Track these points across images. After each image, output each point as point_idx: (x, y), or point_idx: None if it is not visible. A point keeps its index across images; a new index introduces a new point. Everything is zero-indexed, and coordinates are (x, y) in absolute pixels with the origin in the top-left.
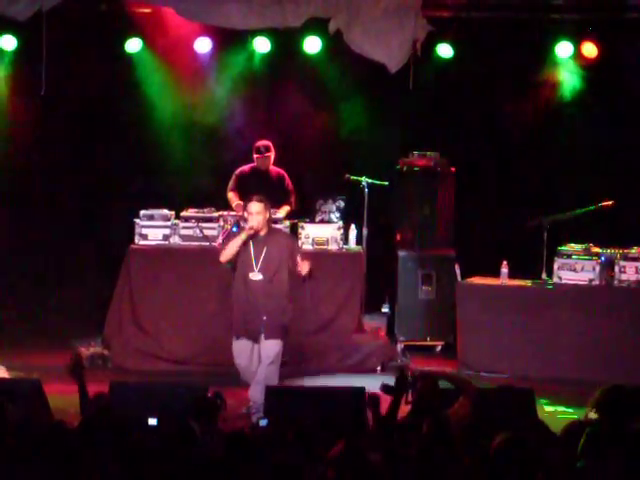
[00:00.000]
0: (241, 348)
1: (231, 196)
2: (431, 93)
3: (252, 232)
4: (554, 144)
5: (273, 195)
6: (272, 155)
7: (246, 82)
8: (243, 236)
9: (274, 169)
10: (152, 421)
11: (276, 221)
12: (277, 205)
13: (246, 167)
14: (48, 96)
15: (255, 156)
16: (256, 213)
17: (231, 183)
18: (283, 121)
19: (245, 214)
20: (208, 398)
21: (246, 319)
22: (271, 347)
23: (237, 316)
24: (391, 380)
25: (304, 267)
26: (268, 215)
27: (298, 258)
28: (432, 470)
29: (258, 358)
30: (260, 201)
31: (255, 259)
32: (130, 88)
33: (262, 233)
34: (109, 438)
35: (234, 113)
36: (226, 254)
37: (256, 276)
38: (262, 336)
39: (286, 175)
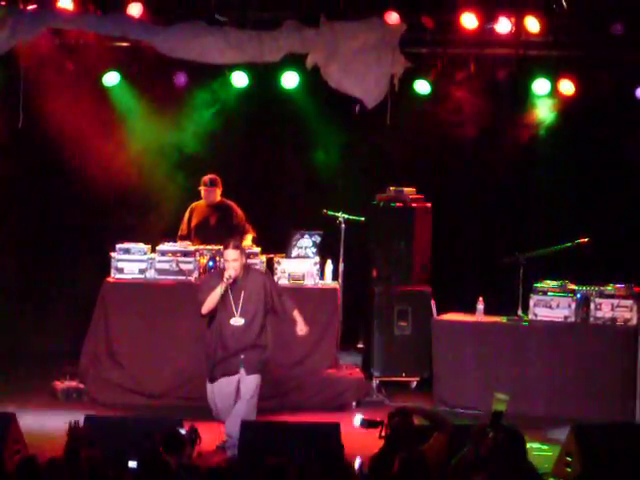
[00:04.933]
0: (218, 390)
1: (180, 231)
2: (408, 129)
3: (231, 281)
4: (531, 180)
5: (224, 227)
6: (219, 189)
7: (224, 116)
8: (222, 287)
9: (226, 202)
10: (132, 464)
11: (252, 255)
12: (235, 234)
13: (200, 201)
14: (25, 130)
15: (201, 189)
16: (232, 260)
17: (185, 216)
18: (260, 155)
19: (222, 261)
20: (183, 433)
21: (224, 360)
22: (251, 382)
23: (213, 359)
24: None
25: (302, 330)
26: (244, 260)
27: (296, 316)
28: None
29: (235, 395)
30: (236, 247)
31: (235, 304)
32: (108, 121)
33: (239, 277)
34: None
35: (211, 147)
36: (207, 307)
37: (238, 321)
38: (242, 372)
39: (234, 206)
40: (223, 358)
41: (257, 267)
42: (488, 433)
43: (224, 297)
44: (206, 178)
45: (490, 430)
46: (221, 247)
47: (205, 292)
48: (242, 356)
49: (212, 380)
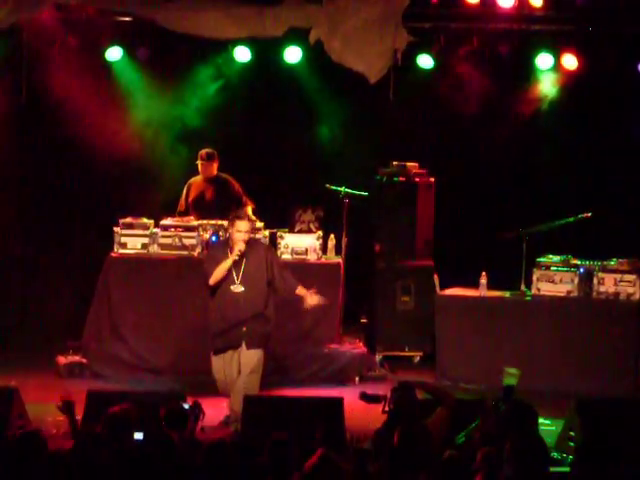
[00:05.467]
0: (220, 362)
1: (179, 207)
2: (411, 103)
3: (240, 254)
4: (533, 155)
5: (223, 201)
6: (215, 163)
7: (226, 91)
8: (230, 261)
9: (222, 176)
10: (138, 435)
11: (255, 230)
12: (231, 210)
13: (198, 177)
14: (28, 105)
15: (198, 163)
16: (245, 232)
17: (183, 192)
18: (262, 130)
19: (233, 231)
20: (186, 407)
21: (226, 331)
22: (252, 356)
23: (215, 330)
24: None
25: (313, 299)
26: (252, 232)
27: (300, 291)
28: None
29: (237, 368)
30: (249, 219)
31: (235, 272)
32: (110, 96)
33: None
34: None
35: (214, 122)
36: (215, 278)
37: (238, 288)
38: (243, 346)
39: (231, 179)
40: (225, 329)
41: (260, 239)
42: (500, 407)
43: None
44: (203, 152)
45: (502, 404)
46: (222, 222)
47: (212, 263)
48: (244, 328)
49: (215, 352)
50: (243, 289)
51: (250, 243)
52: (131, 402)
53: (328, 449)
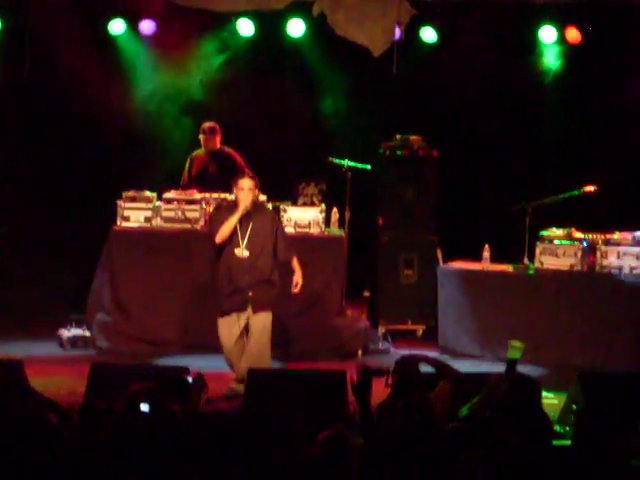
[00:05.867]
0: (227, 324)
1: (182, 181)
2: (415, 77)
3: (245, 211)
4: (537, 129)
5: (226, 175)
6: (218, 136)
7: (229, 65)
8: (237, 216)
9: (225, 150)
10: (144, 407)
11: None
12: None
13: (200, 150)
14: (31, 78)
15: (201, 136)
16: (248, 189)
17: (186, 166)
18: (266, 104)
19: (235, 190)
20: (189, 380)
21: (232, 294)
22: (260, 320)
23: (222, 293)
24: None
25: (297, 286)
26: (256, 193)
27: (295, 266)
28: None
29: (245, 335)
30: (251, 178)
31: (241, 236)
32: (114, 70)
33: (248, 210)
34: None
35: (217, 95)
36: (221, 235)
37: (243, 252)
38: (249, 310)
39: (233, 152)
40: (231, 292)
41: (264, 205)
42: (503, 381)
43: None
44: (205, 126)
45: (505, 378)
46: (225, 195)
47: (217, 222)
48: (250, 293)
49: (222, 314)
50: (248, 254)
51: (257, 207)
52: (136, 374)
53: (341, 424)
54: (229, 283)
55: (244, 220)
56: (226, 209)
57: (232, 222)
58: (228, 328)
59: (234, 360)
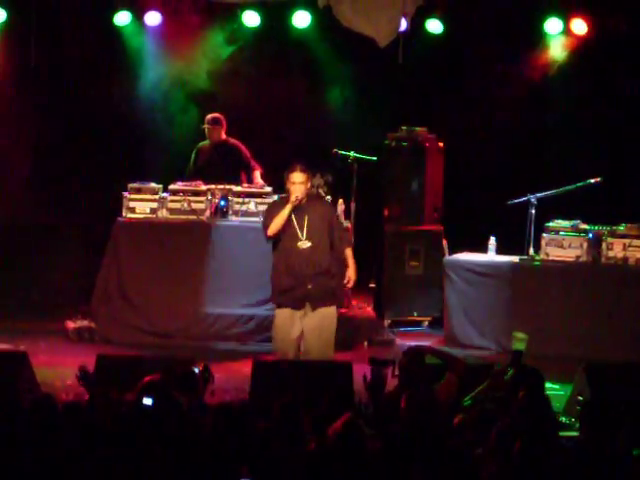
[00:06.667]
0: (283, 318)
1: (188, 172)
2: (420, 68)
3: (297, 203)
4: (543, 120)
5: (231, 166)
6: (222, 127)
7: (235, 55)
8: (289, 208)
9: (230, 141)
10: (147, 401)
11: (262, 194)
12: (242, 174)
13: (206, 142)
14: (37, 68)
15: (205, 127)
16: (299, 183)
17: (191, 157)
18: (272, 95)
19: (288, 184)
20: (196, 372)
21: (290, 289)
22: (323, 315)
23: (278, 287)
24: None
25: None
26: (309, 185)
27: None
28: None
29: (300, 330)
30: (303, 171)
31: (299, 228)
32: (119, 61)
33: (302, 202)
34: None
35: (223, 86)
36: (272, 228)
37: (304, 244)
38: (309, 306)
39: (239, 143)
40: (289, 286)
41: (320, 196)
42: (508, 372)
43: (288, 222)
44: (209, 117)
45: (510, 369)
46: (230, 186)
47: (269, 216)
48: (309, 286)
49: (279, 306)
50: (309, 244)
51: (312, 198)
52: (141, 365)
53: (353, 414)
54: (287, 276)
55: (299, 213)
56: (279, 203)
57: (283, 215)
58: (285, 322)
59: (285, 352)
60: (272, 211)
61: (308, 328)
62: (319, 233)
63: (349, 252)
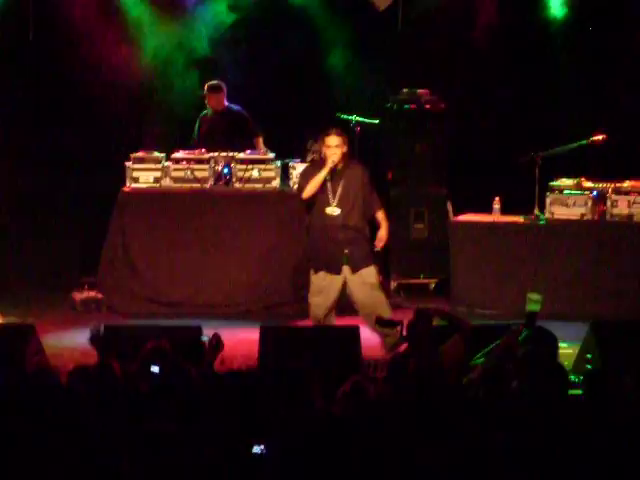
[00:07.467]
0: (320, 282)
1: (192, 141)
2: (420, 31)
3: (333, 166)
4: (545, 79)
5: (233, 133)
6: (223, 94)
7: (235, 22)
8: (324, 172)
9: (232, 108)
10: (154, 369)
11: (265, 161)
12: (245, 140)
13: (209, 110)
14: (36, 40)
15: (205, 95)
16: (335, 146)
17: (195, 126)
18: (271, 60)
19: (322, 148)
20: (204, 340)
21: (326, 253)
22: (366, 276)
23: (315, 250)
24: None
25: (381, 241)
26: (345, 149)
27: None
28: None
29: (338, 294)
30: (338, 134)
31: (332, 193)
32: (120, 30)
33: (338, 167)
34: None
35: (223, 53)
36: (308, 191)
37: (334, 211)
38: (348, 269)
39: (241, 110)
40: (326, 251)
41: (356, 161)
42: (522, 332)
43: (323, 185)
44: (209, 84)
45: (525, 330)
46: (234, 153)
47: (306, 178)
48: (346, 250)
49: (316, 270)
50: (339, 211)
51: (347, 163)
52: (149, 335)
53: (360, 376)
54: (323, 241)
55: (334, 177)
56: (315, 166)
57: (319, 178)
58: (323, 286)
59: (321, 318)
60: (308, 174)
61: (355, 288)
62: (353, 197)
63: (381, 214)
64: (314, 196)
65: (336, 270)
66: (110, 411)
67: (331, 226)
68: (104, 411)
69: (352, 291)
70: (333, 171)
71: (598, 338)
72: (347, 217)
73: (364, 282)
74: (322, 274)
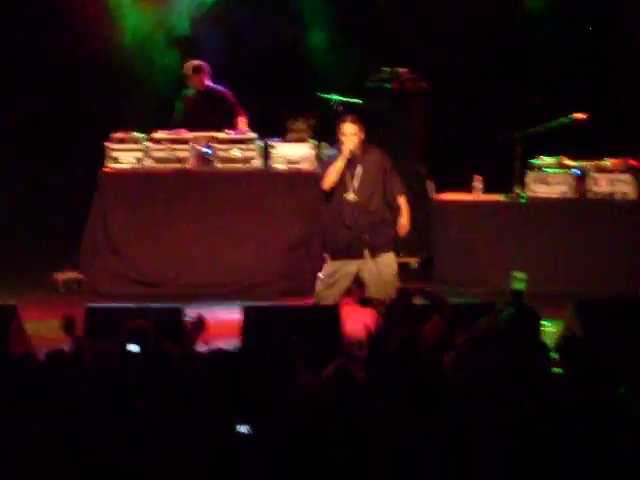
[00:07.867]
0: (334, 272)
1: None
2: (400, 9)
3: (350, 155)
4: (526, 57)
5: (216, 112)
6: (204, 75)
7: (215, 0)
8: (342, 160)
9: (215, 88)
10: (134, 347)
11: (246, 141)
12: (226, 120)
13: (192, 89)
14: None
15: (186, 75)
16: (351, 134)
17: (177, 107)
18: (252, 39)
19: (339, 136)
20: (187, 320)
21: (345, 240)
22: (384, 263)
23: (332, 237)
24: None
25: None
26: (363, 136)
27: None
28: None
29: (350, 281)
30: (354, 122)
31: (350, 181)
32: (99, 8)
33: (356, 153)
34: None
35: (204, 31)
36: (328, 181)
37: (351, 197)
38: (368, 254)
39: (224, 90)
40: (345, 238)
41: (374, 146)
42: (508, 311)
43: (342, 173)
44: (189, 65)
45: (510, 308)
46: (216, 134)
47: (324, 168)
48: (366, 236)
49: (333, 257)
50: (357, 198)
51: (365, 150)
52: (131, 316)
53: (345, 358)
54: (342, 228)
55: (352, 164)
56: (335, 155)
57: (337, 167)
58: (336, 272)
59: (324, 301)
60: (327, 163)
61: (370, 275)
62: (373, 183)
63: (402, 199)
64: (335, 184)
65: (358, 254)
66: (86, 394)
67: (351, 212)
68: (79, 392)
69: (366, 278)
70: (351, 159)
71: (580, 316)
72: (367, 203)
73: (381, 270)
74: (339, 263)
